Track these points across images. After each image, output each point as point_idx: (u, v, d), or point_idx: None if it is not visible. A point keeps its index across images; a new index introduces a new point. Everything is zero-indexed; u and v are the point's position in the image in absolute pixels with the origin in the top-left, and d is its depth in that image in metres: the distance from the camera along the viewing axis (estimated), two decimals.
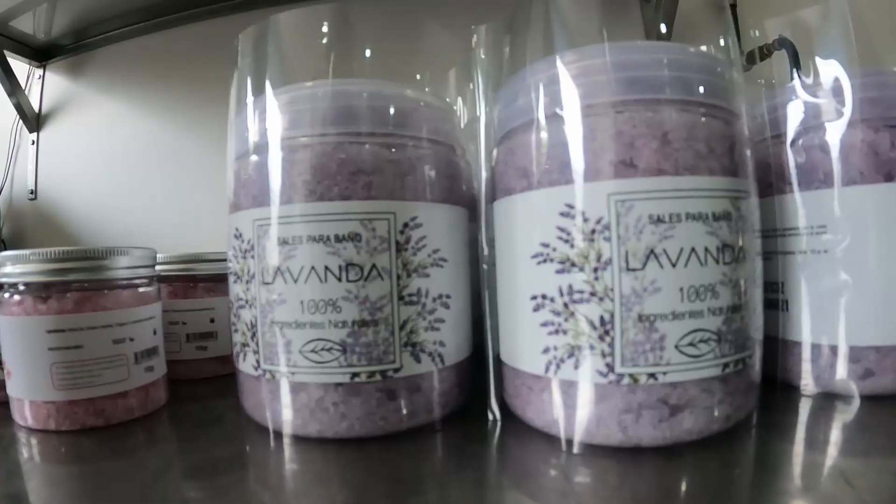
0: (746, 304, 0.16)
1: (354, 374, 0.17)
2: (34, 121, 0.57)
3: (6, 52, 0.53)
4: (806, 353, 0.20)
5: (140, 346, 0.19)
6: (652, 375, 0.15)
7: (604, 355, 0.15)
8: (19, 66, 0.56)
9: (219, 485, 0.15)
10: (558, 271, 0.16)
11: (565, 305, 0.16)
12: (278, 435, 0.18)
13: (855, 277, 0.19)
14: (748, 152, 0.17)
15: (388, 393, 0.17)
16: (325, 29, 0.19)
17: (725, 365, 0.16)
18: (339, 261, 0.16)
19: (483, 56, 0.19)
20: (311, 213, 0.17)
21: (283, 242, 0.17)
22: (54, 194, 0.56)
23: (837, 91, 0.19)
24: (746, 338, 0.16)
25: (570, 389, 0.16)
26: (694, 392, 0.15)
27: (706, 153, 0.16)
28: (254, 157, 0.18)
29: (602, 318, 0.15)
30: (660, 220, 0.15)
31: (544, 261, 0.16)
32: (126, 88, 0.54)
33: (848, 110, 0.19)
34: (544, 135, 0.16)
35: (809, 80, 0.20)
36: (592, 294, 0.15)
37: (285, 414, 0.17)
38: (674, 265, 0.15)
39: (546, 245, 0.16)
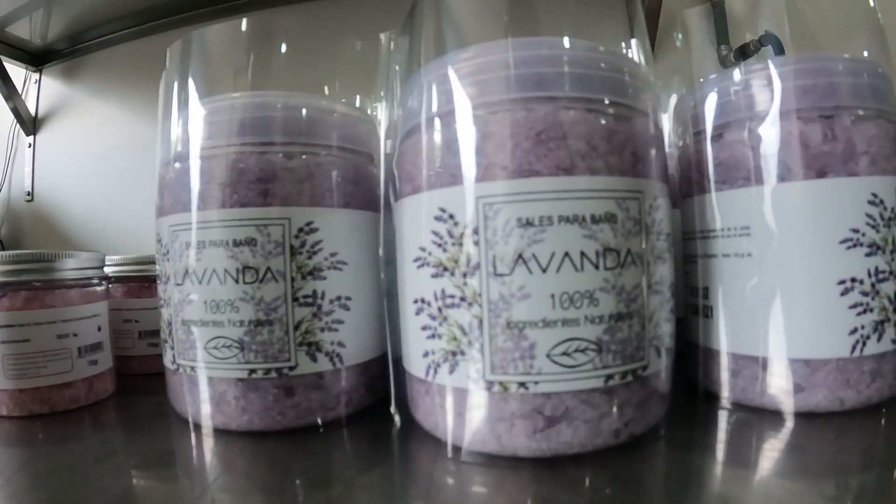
0: (638, 311, 0.15)
1: (252, 371, 0.17)
2: (31, 124, 0.59)
3: (3, 58, 0.54)
4: (729, 364, 0.19)
5: (84, 341, 0.21)
6: (523, 384, 0.15)
7: (475, 362, 0.15)
8: (16, 71, 0.58)
9: (140, 471, 0.16)
10: (433, 275, 0.16)
11: (439, 310, 0.15)
12: (196, 427, 0.19)
13: (781, 283, 0.17)
14: (652, 151, 0.16)
15: (286, 390, 0.18)
16: (242, 43, 0.20)
17: (609, 376, 0.15)
18: (237, 264, 0.17)
19: (391, 61, 0.19)
20: (213, 220, 0.18)
21: (188, 247, 0.18)
22: (50, 196, 0.59)
23: (765, 80, 0.18)
24: (638, 348, 0.15)
25: (448, 394, 0.16)
26: (571, 403, 0.15)
27: (587, 152, 0.15)
28: (176, 165, 0.20)
29: (471, 324, 0.15)
30: (529, 224, 0.14)
31: (422, 265, 0.16)
32: (119, 92, 0.56)
33: (776, 101, 0.17)
34: (425, 138, 0.16)
35: (740, 70, 0.18)
36: (462, 299, 0.15)
37: (196, 406, 0.18)
38: (544, 270, 0.14)
39: (423, 249, 0.16)
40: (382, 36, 0.19)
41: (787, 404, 0.18)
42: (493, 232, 0.14)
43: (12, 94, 0.56)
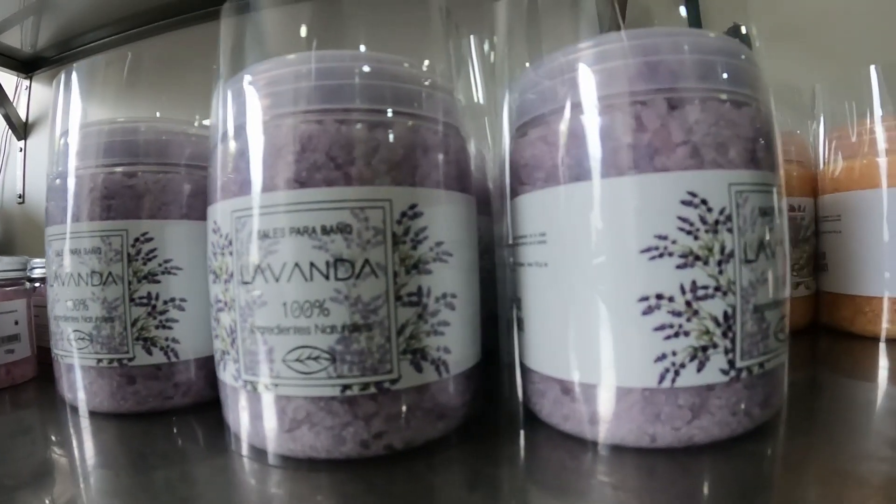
0: (380, 323, 0.15)
1: (98, 360, 0.20)
2: (21, 129, 0.62)
3: None
4: (538, 383, 0.17)
5: (1, 333, 0.26)
6: (266, 386, 0.15)
7: (234, 361, 0.16)
8: (7, 79, 0.60)
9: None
10: (213, 282, 0.17)
11: (216, 313, 0.17)
12: (74, 409, 0.22)
13: (576, 299, 0.15)
14: (425, 156, 0.16)
15: (128, 379, 0.20)
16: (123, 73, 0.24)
17: (346, 386, 0.15)
18: (87, 269, 0.20)
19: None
20: (74, 232, 0.21)
21: (59, 253, 0.21)
22: (41, 198, 0.64)
23: (569, 67, 0.16)
24: (382, 361, 0.15)
25: (223, 390, 0.17)
26: (311, 409, 0.15)
27: (323, 163, 0.15)
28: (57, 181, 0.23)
29: (231, 326, 0.16)
30: (265, 236, 0.15)
31: (209, 272, 0.17)
32: (105, 96, 0.63)
33: (576, 89, 0.15)
34: (220, 150, 0.17)
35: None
36: (225, 304, 0.16)
37: (77, 391, 0.22)
38: (277, 280, 0.15)
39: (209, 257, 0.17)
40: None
41: (590, 434, 0.16)
42: (241, 243, 0.15)
43: (3, 101, 0.58)
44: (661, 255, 0.14)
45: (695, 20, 0.56)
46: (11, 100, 0.62)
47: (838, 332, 0.30)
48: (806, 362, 0.28)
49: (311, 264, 0.15)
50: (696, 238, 0.14)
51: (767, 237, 0.15)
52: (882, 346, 0.27)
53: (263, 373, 0.15)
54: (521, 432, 0.17)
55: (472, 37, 0.20)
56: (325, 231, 0.15)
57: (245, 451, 0.16)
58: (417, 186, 0.16)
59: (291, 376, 0.15)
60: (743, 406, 0.15)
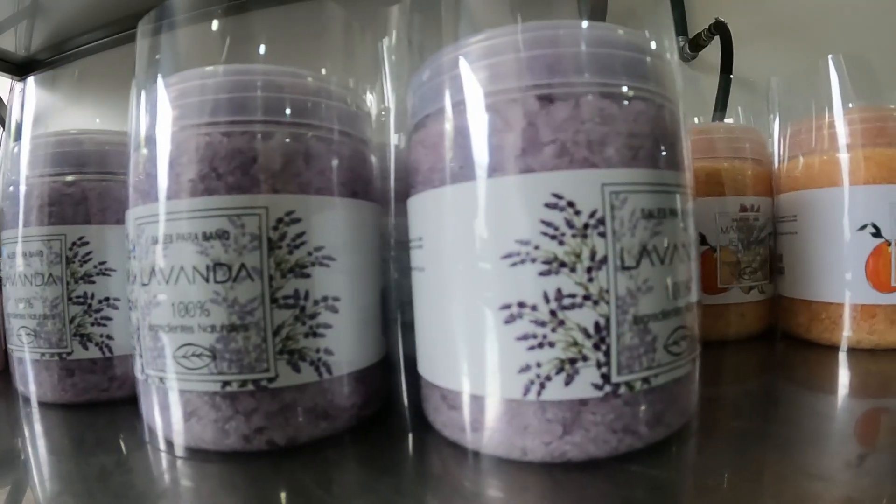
0: (256, 324, 0.15)
1: (42, 354, 0.23)
2: (16, 131, 0.68)
3: None
4: (425, 390, 0.16)
5: None
6: (161, 380, 0.16)
7: (140, 356, 0.17)
8: (1, 82, 0.60)
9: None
10: (131, 282, 0.18)
11: (129, 310, 0.18)
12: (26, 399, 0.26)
13: (446, 305, 0.15)
14: (306, 164, 0.16)
15: (67, 371, 0.22)
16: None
17: (226, 382, 0.16)
18: (31, 271, 0.23)
19: None
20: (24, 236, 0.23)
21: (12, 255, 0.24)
22: None
23: (451, 63, 0.15)
24: (259, 360, 0.15)
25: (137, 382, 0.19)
26: (197, 403, 0.16)
27: (207, 173, 0.16)
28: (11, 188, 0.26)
29: (136, 325, 0.17)
30: (155, 241, 0.16)
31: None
32: (96, 99, 0.57)
33: (455, 87, 0.15)
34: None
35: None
36: (132, 303, 0.17)
37: (27, 383, 0.25)
38: (167, 282, 0.16)
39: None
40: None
41: (467, 443, 0.15)
42: (141, 248, 0.17)
43: None
44: (522, 262, 0.14)
45: (679, 17, 0.54)
46: (5, 102, 0.62)
47: (796, 340, 0.28)
48: (753, 371, 0.26)
49: (194, 268, 0.16)
50: (561, 243, 0.14)
51: (652, 242, 0.14)
52: (842, 355, 0.24)
53: (159, 367, 0.16)
54: (410, 436, 0.17)
55: (382, 42, 0.20)
56: (206, 237, 0.16)
57: (148, 437, 0.18)
58: (297, 194, 0.16)
59: (180, 371, 0.16)
60: (624, 424, 0.14)
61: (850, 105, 0.24)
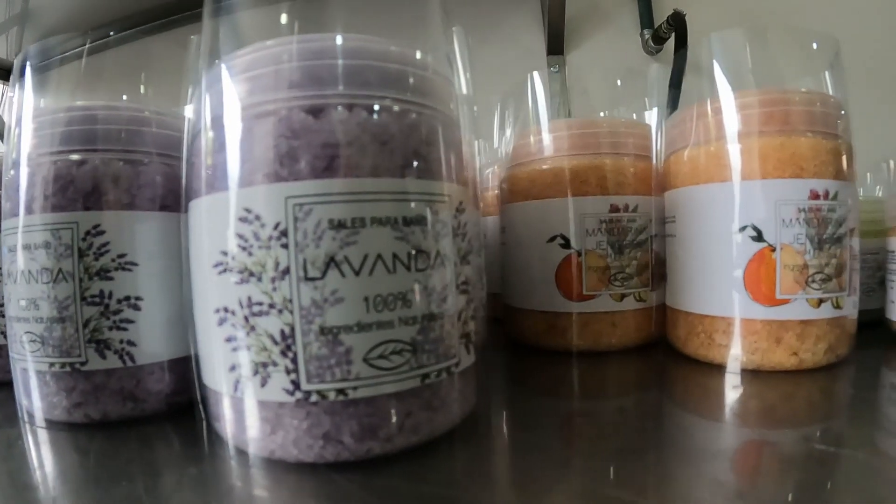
0: (71, 317, 0.18)
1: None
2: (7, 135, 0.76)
3: None
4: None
5: None
6: (18, 360, 0.20)
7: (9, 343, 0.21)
8: None
9: None
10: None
11: None
12: None
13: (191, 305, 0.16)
14: (121, 184, 0.19)
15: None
16: None
17: (51, 364, 0.19)
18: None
19: None
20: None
21: None
22: None
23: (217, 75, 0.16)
24: (76, 348, 0.18)
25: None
26: (36, 380, 0.19)
27: (40, 195, 0.19)
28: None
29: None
30: (11, 250, 0.20)
31: None
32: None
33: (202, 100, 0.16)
34: None
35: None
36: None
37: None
38: (16, 282, 0.19)
39: None
40: None
41: (220, 431, 0.16)
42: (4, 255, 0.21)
43: None
44: (224, 271, 0.15)
45: (645, 9, 0.49)
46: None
47: (679, 354, 0.24)
48: (588, 387, 0.23)
49: (29, 272, 0.19)
50: (250, 254, 0.14)
51: (343, 253, 0.14)
52: (717, 376, 0.20)
53: (19, 352, 0.20)
54: (204, 425, 0.19)
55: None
56: (36, 247, 0.19)
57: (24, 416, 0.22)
58: (102, 210, 0.19)
59: (25, 353, 0.20)
60: (324, 432, 0.14)
61: (730, 90, 0.20)
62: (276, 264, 0.14)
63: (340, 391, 0.14)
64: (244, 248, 0.14)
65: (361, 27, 0.16)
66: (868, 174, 0.39)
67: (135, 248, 0.19)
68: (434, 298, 0.15)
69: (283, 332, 0.14)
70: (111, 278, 0.19)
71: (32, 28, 0.60)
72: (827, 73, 0.24)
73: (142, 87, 0.22)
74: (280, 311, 0.14)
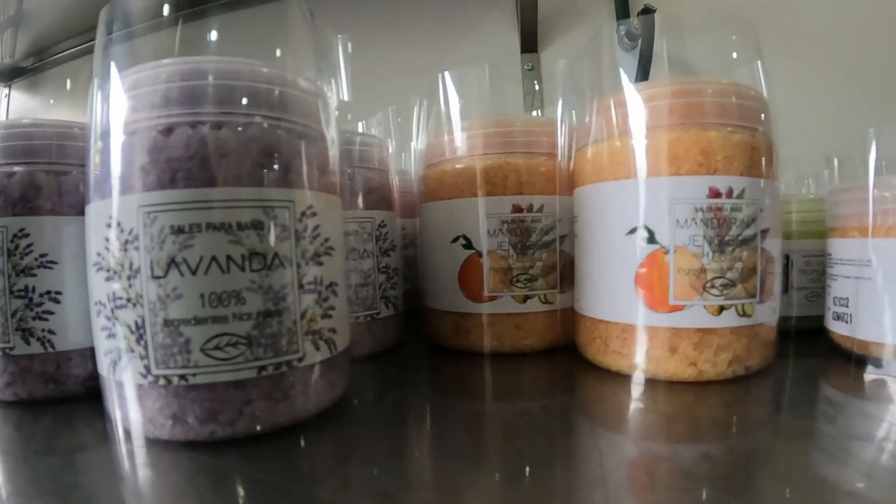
0: (2, 308, 0.21)
1: None
2: None
3: None
4: None
5: None
6: None
7: None
8: None
9: None
10: None
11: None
12: None
13: None
14: (39, 192, 0.21)
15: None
16: None
17: None
18: None
19: None
20: None
21: None
22: None
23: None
24: (7, 334, 0.21)
25: None
26: None
27: None
28: None
29: None
30: None
31: None
32: (74, 102, 0.63)
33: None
34: None
35: None
36: None
37: None
38: None
39: None
40: None
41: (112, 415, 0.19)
42: None
43: None
44: (99, 269, 0.17)
45: (621, 5, 0.48)
46: None
47: (585, 361, 0.24)
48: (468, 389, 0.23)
49: None
50: (114, 256, 0.16)
51: (182, 255, 0.16)
52: (637, 388, 0.19)
53: None
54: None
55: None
56: None
57: None
58: (28, 216, 0.21)
59: None
60: (174, 413, 0.16)
61: (631, 83, 0.20)
62: (131, 264, 0.16)
63: (182, 377, 0.16)
64: (110, 250, 0.17)
65: (238, 49, 0.18)
66: (825, 171, 0.37)
67: (55, 249, 0.22)
68: (271, 297, 0.17)
69: (136, 323, 0.16)
70: (34, 275, 0.22)
71: (26, 31, 0.61)
72: (757, 63, 0.22)
73: None
74: (134, 305, 0.16)
